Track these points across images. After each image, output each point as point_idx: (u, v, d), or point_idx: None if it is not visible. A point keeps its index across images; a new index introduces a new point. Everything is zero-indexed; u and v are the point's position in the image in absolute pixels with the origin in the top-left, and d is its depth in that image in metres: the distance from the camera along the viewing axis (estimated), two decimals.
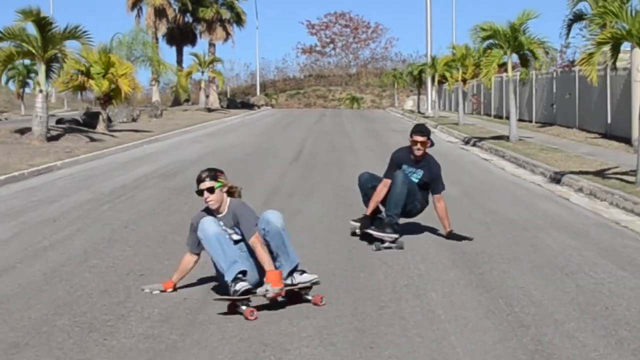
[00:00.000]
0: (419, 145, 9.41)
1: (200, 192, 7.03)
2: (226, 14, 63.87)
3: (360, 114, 57.58)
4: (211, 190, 6.98)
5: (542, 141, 24.66)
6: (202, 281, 7.45)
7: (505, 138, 25.16)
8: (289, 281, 6.74)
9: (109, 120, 31.66)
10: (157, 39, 55.99)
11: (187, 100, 64.77)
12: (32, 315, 6.27)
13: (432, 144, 9.75)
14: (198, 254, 7.17)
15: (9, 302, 6.68)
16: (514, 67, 28.19)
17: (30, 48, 22.52)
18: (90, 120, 29.96)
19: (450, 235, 9.50)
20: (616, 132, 24.79)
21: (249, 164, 19.11)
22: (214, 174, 7.08)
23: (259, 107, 71.18)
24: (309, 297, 6.76)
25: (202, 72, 55.79)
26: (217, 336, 5.85)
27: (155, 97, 57.06)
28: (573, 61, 27.28)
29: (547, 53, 25.80)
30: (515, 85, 29.31)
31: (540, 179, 16.41)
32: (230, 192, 7.21)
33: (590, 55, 14.77)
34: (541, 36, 25.49)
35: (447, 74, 43.16)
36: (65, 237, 9.65)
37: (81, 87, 27.76)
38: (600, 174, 15.52)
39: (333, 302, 6.71)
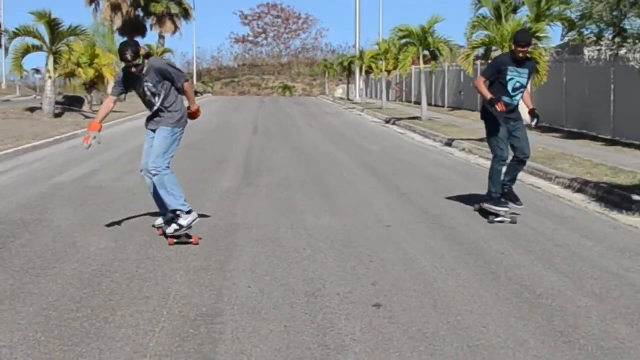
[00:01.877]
0: (521, 55, 10.05)
1: (129, 66, 8.29)
2: (175, 9, 70.30)
3: (295, 101, 63.64)
4: (137, 65, 8.26)
5: (448, 121, 31.18)
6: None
7: (418, 118, 31.66)
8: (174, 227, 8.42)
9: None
10: (112, 32, 61.35)
11: None
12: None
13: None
14: (117, 97, 8.90)
15: (136, 188, 12.57)
16: (428, 61, 34.86)
17: (42, 43, 28.39)
18: (71, 103, 35.59)
19: (533, 112, 10.41)
20: None
21: (222, 134, 25.34)
22: (136, 48, 8.31)
23: (201, 93, 77.12)
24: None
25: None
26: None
27: None
28: (478, 57, 33.80)
29: (451, 50, 32.45)
30: (427, 76, 35.88)
31: (438, 144, 22.89)
32: (147, 56, 8.51)
33: (467, 55, 21.35)
34: (447, 37, 32.26)
35: (374, 66, 49.56)
36: (130, 170, 15.47)
37: (71, 74, 33.32)
38: (481, 140, 22.01)
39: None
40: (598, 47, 25.41)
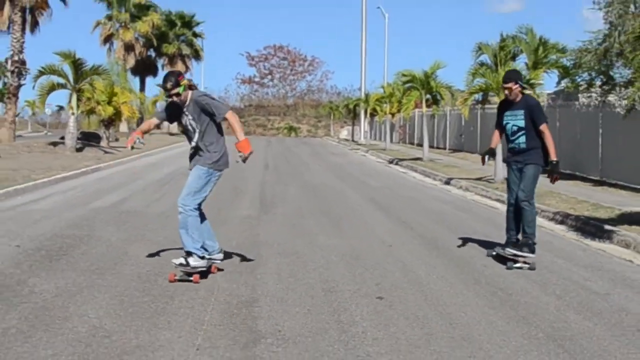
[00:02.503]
0: (506, 92, 10.24)
1: (169, 95, 8.51)
2: (186, 50, 72.77)
3: (301, 141, 65.43)
4: (177, 94, 8.44)
5: (448, 162, 32.85)
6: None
7: (420, 159, 33.35)
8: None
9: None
10: (125, 70, 63.44)
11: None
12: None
13: (524, 87, 10.47)
14: (159, 120, 9.31)
15: (167, 212, 14.29)
16: (430, 105, 36.65)
17: (66, 81, 30.29)
18: (88, 139, 37.40)
19: (552, 164, 10.07)
20: (504, 156, 33.14)
21: (236, 170, 26.87)
22: (177, 79, 8.54)
23: None
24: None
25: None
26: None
27: None
28: (478, 101, 35.53)
29: (452, 94, 34.22)
30: (429, 119, 37.64)
31: (438, 182, 24.54)
32: (191, 87, 8.66)
33: (465, 99, 23.09)
34: (448, 81, 34.10)
35: (378, 108, 51.33)
36: (158, 198, 17.31)
37: (91, 111, 35.12)
38: (478, 179, 23.70)
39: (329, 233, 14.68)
40: (589, 94, 27.21)
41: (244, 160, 8.72)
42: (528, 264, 9.84)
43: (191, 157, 8.87)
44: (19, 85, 37.54)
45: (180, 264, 8.48)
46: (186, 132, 8.85)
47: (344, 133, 79.87)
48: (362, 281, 8.75)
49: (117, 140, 41.45)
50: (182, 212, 8.58)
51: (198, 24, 75.42)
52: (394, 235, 12.60)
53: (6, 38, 38.09)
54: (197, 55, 74.57)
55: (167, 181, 21.27)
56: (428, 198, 19.30)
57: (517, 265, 9.83)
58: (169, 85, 8.43)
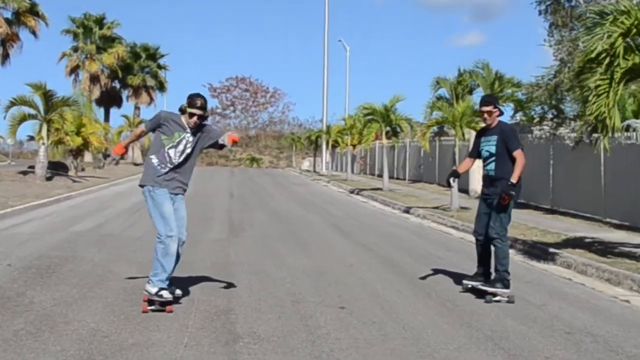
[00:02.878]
0: (485, 115, 9.95)
1: (192, 115, 8.49)
2: (151, 82, 73.65)
3: (263, 172, 66.33)
4: (203, 117, 8.58)
5: (407, 192, 34.05)
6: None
7: (380, 189, 34.49)
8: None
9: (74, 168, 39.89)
10: (90, 101, 64.11)
11: (107, 156, 72.80)
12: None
13: (501, 113, 10.14)
14: (147, 132, 9.01)
15: (144, 236, 15.26)
16: (390, 136, 37.93)
17: (36, 112, 31.13)
18: (55, 168, 38.04)
19: (507, 185, 9.71)
20: (461, 186, 34.35)
21: (204, 199, 27.91)
22: (206, 102, 8.66)
23: None
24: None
25: (131, 132, 65.18)
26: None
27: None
28: (436, 134, 36.82)
29: (411, 127, 35.49)
30: (389, 151, 38.87)
31: (397, 211, 25.67)
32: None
33: (424, 133, 24.32)
34: (407, 114, 35.43)
35: (340, 140, 52.52)
36: (131, 224, 18.24)
37: (59, 142, 35.83)
38: (435, 208, 24.88)
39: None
40: (541, 127, 28.59)
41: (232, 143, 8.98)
42: (508, 297, 9.66)
43: (169, 179, 8.73)
44: None
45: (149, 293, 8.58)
46: (174, 149, 8.61)
47: (306, 164, 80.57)
48: (325, 294, 9.80)
49: (83, 170, 42.14)
50: (173, 244, 8.74)
51: (162, 56, 76.54)
52: (355, 256, 13.67)
53: None
54: (161, 87, 75.51)
55: (137, 209, 22.14)
56: (387, 225, 20.40)
57: (496, 298, 9.64)
58: (200, 102, 8.53)
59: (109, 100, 70.42)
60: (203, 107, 8.54)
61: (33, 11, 39.05)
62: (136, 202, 24.91)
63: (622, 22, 12.05)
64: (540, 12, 26.27)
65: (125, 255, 12.72)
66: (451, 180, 10.86)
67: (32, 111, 31.53)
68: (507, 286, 9.77)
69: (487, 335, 7.90)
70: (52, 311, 8.33)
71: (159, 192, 8.69)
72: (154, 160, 8.67)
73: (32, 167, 34.49)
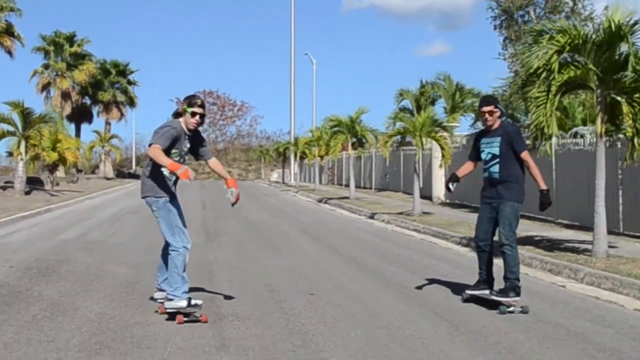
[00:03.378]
0: (486, 116, 9.61)
1: (194, 114, 8.52)
2: (121, 97, 74.24)
3: None
4: (203, 116, 8.55)
5: (373, 200, 35.28)
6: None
7: (347, 198, 35.75)
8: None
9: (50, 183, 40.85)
10: (62, 117, 64.73)
11: (80, 170, 73.61)
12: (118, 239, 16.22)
13: (503, 114, 9.79)
14: (166, 149, 8.33)
15: (127, 242, 16.47)
16: (356, 147, 39.27)
17: (15, 129, 32.20)
18: (31, 183, 38.99)
19: (542, 194, 9.73)
20: (425, 193, 35.74)
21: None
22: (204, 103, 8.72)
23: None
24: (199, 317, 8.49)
25: (103, 147, 66.46)
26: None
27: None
28: (400, 143, 38.14)
29: (376, 137, 36.74)
30: (355, 161, 40.12)
31: (363, 217, 26.98)
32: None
33: (385, 142, 25.71)
34: (372, 125, 36.81)
35: (307, 151, 53.48)
36: (114, 232, 19.38)
37: (36, 157, 36.83)
38: (399, 214, 26.24)
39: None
40: None
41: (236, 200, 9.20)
42: (521, 307, 9.33)
43: (175, 188, 8.88)
44: None
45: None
46: (180, 155, 8.70)
47: (275, 176, 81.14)
48: (297, 285, 11.17)
49: (58, 184, 43.11)
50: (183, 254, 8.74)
51: (132, 72, 76.93)
52: (322, 255, 15.08)
53: None
54: (131, 102, 76.02)
55: (116, 219, 23.38)
56: (353, 229, 21.75)
57: (510, 309, 9.25)
58: (200, 101, 8.60)
59: (80, 116, 70.77)
60: (203, 106, 8.59)
61: (9, 32, 39.96)
62: (113, 213, 26.14)
63: (558, 40, 13.48)
64: (495, 27, 27.94)
65: (113, 258, 13.94)
66: (450, 185, 10.15)
67: (11, 128, 32.53)
68: (518, 294, 9.42)
69: (438, 314, 9.27)
70: (61, 301, 9.63)
71: (175, 204, 8.77)
72: (166, 172, 8.51)
73: (8, 182, 35.40)
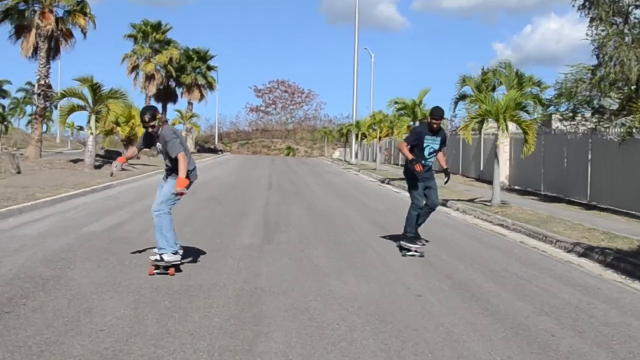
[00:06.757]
0: (435, 126, 10.52)
1: (145, 126, 8.30)
2: (202, 80, 69.50)
3: (301, 161, 61.62)
4: (153, 126, 8.14)
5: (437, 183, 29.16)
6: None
7: None
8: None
9: None
10: (148, 97, 59.89)
11: None
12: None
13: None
14: (139, 150, 9.00)
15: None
16: None
17: (85, 103, 26.53)
18: (110, 156, 33.68)
19: (446, 171, 11.13)
20: (486, 177, 29.58)
21: (243, 188, 23.32)
22: (153, 113, 8.26)
23: (222, 152, 76.86)
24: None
25: (183, 124, 61.40)
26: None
27: None
28: (457, 127, 32.15)
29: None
30: None
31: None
32: (164, 122, 8.46)
33: (466, 125, 19.44)
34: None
35: (367, 133, 47.84)
36: (150, 225, 13.58)
37: (110, 132, 31.50)
38: (471, 201, 20.08)
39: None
40: (572, 122, 23.65)
41: (177, 194, 8.33)
42: (419, 252, 10.36)
43: (167, 173, 8.59)
44: (45, 107, 33.72)
45: (156, 260, 8.20)
46: (162, 154, 8.57)
47: (337, 154, 78.17)
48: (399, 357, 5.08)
49: (139, 157, 37.73)
50: (158, 216, 8.37)
51: (212, 57, 72.18)
52: (415, 274, 8.91)
53: (34, 64, 34.24)
54: (210, 86, 71.11)
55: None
56: (432, 224, 15.61)
57: (410, 253, 10.33)
58: (146, 118, 8.26)
59: (166, 96, 65.96)
60: (145, 121, 8.28)
61: (83, 11, 34.26)
62: None
63: None
64: (578, 8, 21.35)
65: (127, 274, 8.01)
66: (416, 167, 10.38)
67: (82, 102, 26.94)
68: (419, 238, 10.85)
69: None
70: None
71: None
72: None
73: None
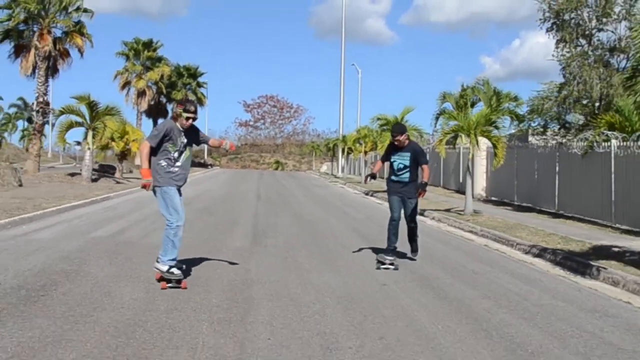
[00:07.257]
0: (400, 138, 10.64)
1: (188, 118, 8.18)
2: (192, 97, 70.63)
3: (289, 175, 63.06)
4: (195, 119, 8.20)
5: None
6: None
7: None
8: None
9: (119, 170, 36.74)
10: (140, 113, 61.29)
11: None
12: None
13: (408, 137, 10.93)
14: (155, 145, 8.11)
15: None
16: None
17: (83, 120, 27.89)
18: (105, 170, 35.01)
19: (421, 184, 10.69)
20: (464, 189, 31.01)
21: (233, 201, 24.63)
22: (197, 107, 8.37)
23: (211, 166, 78.38)
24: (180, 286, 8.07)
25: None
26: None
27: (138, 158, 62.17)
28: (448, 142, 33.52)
29: (421, 136, 32.08)
30: None
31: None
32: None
33: (440, 140, 20.89)
34: (417, 124, 32.08)
35: (354, 147, 49.25)
36: (157, 227, 14.89)
37: (105, 147, 32.78)
38: (447, 211, 21.48)
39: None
40: (543, 137, 25.18)
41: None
42: (394, 265, 10.37)
43: (177, 175, 8.36)
44: (44, 123, 35.18)
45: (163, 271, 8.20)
46: (176, 149, 8.25)
47: (324, 167, 79.32)
48: (363, 332, 6.46)
49: (131, 171, 39.02)
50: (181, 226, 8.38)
51: (201, 74, 73.98)
52: (386, 271, 10.31)
53: (32, 82, 35.63)
54: (200, 102, 72.72)
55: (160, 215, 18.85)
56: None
57: (384, 266, 10.31)
58: (193, 108, 8.27)
59: (157, 112, 67.48)
60: (192, 111, 8.24)
61: (80, 31, 35.65)
62: None
63: None
64: (547, 30, 22.92)
65: (136, 269, 9.38)
66: (369, 179, 11.30)
67: (79, 119, 28.30)
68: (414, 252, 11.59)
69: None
70: (99, 286, 5.08)
71: (171, 190, 8.28)
72: (163, 163, 8.22)
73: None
